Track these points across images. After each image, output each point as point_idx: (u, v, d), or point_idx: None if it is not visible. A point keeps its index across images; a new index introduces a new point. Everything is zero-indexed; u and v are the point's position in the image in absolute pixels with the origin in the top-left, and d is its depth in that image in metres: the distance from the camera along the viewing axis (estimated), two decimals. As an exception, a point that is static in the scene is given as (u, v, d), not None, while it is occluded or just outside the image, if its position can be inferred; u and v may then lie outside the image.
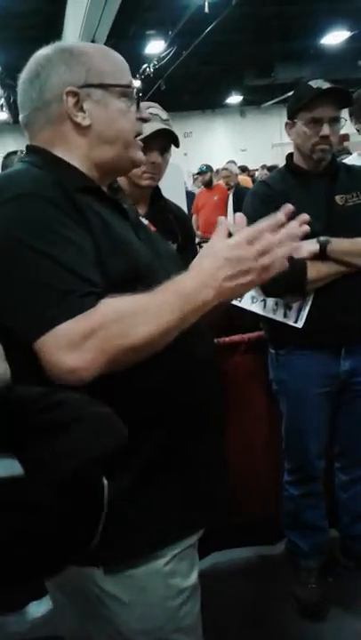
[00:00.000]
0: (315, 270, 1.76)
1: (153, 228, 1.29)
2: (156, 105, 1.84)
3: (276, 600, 2.11)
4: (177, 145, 1.85)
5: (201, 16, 8.86)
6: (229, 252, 0.92)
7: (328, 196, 1.83)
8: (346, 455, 2.08)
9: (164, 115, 1.81)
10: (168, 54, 11.21)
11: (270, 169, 7.99)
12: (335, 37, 11.47)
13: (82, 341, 0.86)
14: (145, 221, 1.27)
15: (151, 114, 1.75)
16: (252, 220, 1.83)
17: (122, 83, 1.08)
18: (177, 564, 1.04)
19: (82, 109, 1.05)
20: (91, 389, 0.88)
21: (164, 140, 1.79)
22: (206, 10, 8.66)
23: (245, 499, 2.22)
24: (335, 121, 1.82)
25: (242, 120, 16.10)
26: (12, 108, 12.65)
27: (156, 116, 1.76)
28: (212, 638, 1.24)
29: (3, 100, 11.93)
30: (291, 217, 1.76)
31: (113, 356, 0.87)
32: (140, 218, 1.24)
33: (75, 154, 1.06)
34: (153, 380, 0.98)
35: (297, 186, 1.87)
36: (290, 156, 1.96)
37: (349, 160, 2.40)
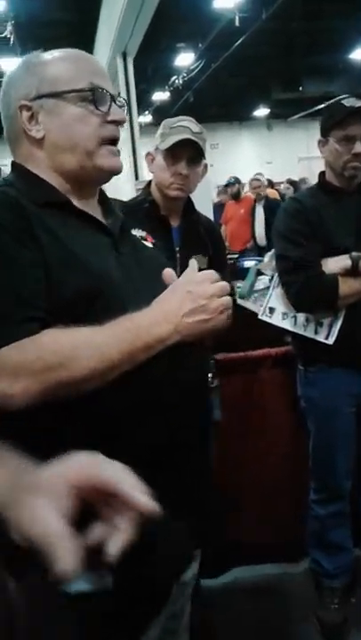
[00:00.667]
0: (347, 286, 1.75)
1: (150, 241, 1.24)
2: (189, 118, 1.84)
3: (296, 619, 2.08)
4: (203, 156, 1.85)
5: (231, 29, 8.93)
6: (193, 286, 0.90)
7: (359, 213, 1.82)
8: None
9: (195, 128, 1.82)
10: (197, 67, 11.31)
11: (293, 183, 7.95)
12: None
13: (15, 369, 0.84)
14: (139, 234, 1.24)
15: (181, 126, 1.76)
16: (283, 236, 1.85)
17: (78, 87, 1.01)
18: None
19: (37, 122, 1.02)
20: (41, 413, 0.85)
21: (191, 151, 1.79)
22: (237, 23, 8.74)
23: (268, 515, 2.21)
24: None
25: (268, 133, 16.14)
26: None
27: (185, 129, 1.77)
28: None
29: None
30: (322, 234, 1.78)
31: (49, 388, 0.84)
32: (135, 231, 1.20)
33: (41, 167, 1.04)
34: (108, 407, 0.91)
35: (329, 203, 1.86)
36: (322, 174, 1.96)
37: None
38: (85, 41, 8.87)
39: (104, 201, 1.13)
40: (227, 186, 7.55)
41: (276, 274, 1.92)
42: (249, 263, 4.04)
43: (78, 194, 1.06)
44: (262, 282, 3.35)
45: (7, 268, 0.89)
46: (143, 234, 1.16)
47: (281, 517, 2.10)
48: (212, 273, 0.93)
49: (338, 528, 2.03)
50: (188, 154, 1.79)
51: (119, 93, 1.08)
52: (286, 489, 2.16)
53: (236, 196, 7.26)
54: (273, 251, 4.14)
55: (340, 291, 1.75)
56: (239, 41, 9.57)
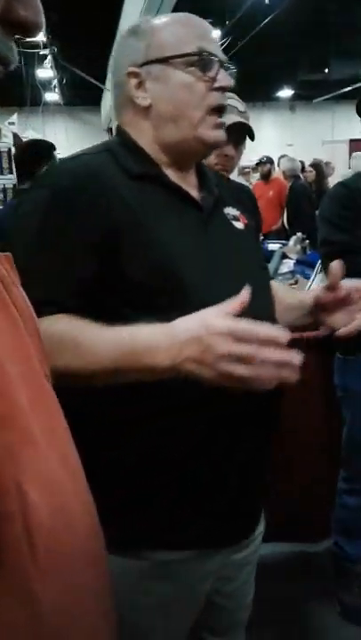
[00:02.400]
0: None
1: (244, 222, 1.13)
2: (235, 96, 1.80)
3: (316, 600, 2.12)
4: (252, 138, 1.83)
5: (260, 6, 8.76)
6: (209, 334, 0.75)
7: None
8: None
9: (241, 107, 1.79)
10: (223, 44, 11.12)
11: (316, 166, 7.70)
12: None
13: None
14: (233, 213, 1.11)
15: (229, 105, 1.74)
16: (328, 221, 1.83)
17: (185, 51, 0.97)
18: (160, 568, 0.97)
19: (145, 89, 0.99)
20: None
21: (239, 133, 1.77)
22: (266, 0, 8.57)
23: (292, 496, 2.23)
24: None
25: (291, 115, 15.90)
26: (64, 90, 12.73)
27: (233, 108, 1.74)
28: (250, 634, 1.25)
29: (55, 81, 12.00)
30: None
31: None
32: (230, 209, 1.11)
33: (143, 137, 1.01)
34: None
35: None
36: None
37: None
38: (112, 11, 8.74)
39: (202, 173, 1.09)
40: (258, 164, 7.28)
41: (320, 260, 1.91)
42: (273, 246, 3.99)
43: (176, 166, 1.03)
44: (287, 265, 3.34)
45: (50, 248, 0.89)
46: (237, 213, 1.09)
47: (304, 498, 2.12)
48: (240, 330, 0.74)
49: (364, 516, 2.05)
50: (235, 135, 1.77)
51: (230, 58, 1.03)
52: (311, 471, 2.17)
53: (267, 177, 7.02)
54: (298, 235, 4.12)
55: None
56: (267, 19, 9.39)
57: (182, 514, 0.96)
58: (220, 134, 1.02)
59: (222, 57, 1.00)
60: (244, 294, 0.77)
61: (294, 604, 2.10)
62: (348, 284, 1.11)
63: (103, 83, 12.53)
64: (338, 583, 2.11)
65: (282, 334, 0.75)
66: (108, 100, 13.38)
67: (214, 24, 11.20)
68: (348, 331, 1.06)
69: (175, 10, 7.29)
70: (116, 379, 0.82)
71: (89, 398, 0.88)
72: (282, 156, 7.74)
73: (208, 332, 0.74)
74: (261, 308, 0.97)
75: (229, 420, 0.94)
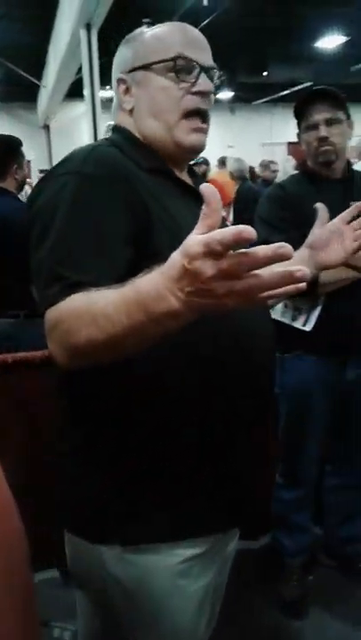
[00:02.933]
0: (327, 274, 1.77)
1: (228, 222, 1.24)
2: None
3: (256, 595, 2.14)
4: None
5: (199, 8, 8.82)
6: (189, 263, 0.68)
7: (343, 202, 1.83)
8: (338, 461, 2.12)
9: None
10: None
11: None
12: (330, 41, 11.53)
13: (49, 332, 0.86)
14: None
15: None
16: (267, 223, 1.86)
17: (164, 57, 1.02)
18: (191, 564, 1.02)
19: (130, 95, 1.07)
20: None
21: None
22: (205, 2, 8.64)
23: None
24: (334, 122, 1.82)
25: (231, 116, 16.07)
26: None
27: None
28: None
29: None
30: (306, 219, 1.80)
31: (70, 352, 0.83)
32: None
33: (139, 136, 1.08)
34: (193, 373, 0.96)
35: (312, 191, 1.88)
36: (305, 162, 1.97)
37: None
38: (46, 14, 8.60)
39: (193, 173, 1.18)
40: (194, 165, 7.39)
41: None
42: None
43: (171, 164, 1.08)
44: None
45: (86, 231, 0.89)
46: (224, 214, 1.14)
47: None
48: (215, 241, 0.65)
49: (301, 511, 2.10)
50: None
51: (216, 66, 1.07)
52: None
53: (203, 178, 7.13)
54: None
55: (320, 279, 1.77)
56: (207, 20, 9.46)
57: (202, 500, 1.02)
58: (197, 138, 1.06)
59: (205, 63, 1.04)
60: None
61: (234, 601, 2.12)
62: (334, 220, 1.30)
63: (39, 79, 12.28)
64: (276, 577, 2.15)
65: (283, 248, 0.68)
66: (44, 97, 13.13)
67: (153, 24, 11.27)
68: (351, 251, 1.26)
69: (112, 8, 7.23)
70: (143, 339, 0.77)
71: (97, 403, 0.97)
72: (222, 158, 7.82)
73: (189, 260, 0.68)
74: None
75: (229, 414, 1.00)
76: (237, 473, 1.06)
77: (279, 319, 1.87)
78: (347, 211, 1.31)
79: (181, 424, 0.97)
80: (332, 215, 1.83)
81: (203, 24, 9.64)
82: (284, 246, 0.66)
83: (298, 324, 1.83)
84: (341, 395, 1.94)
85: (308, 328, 1.81)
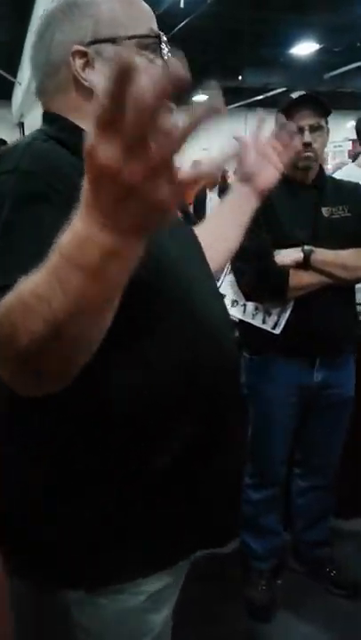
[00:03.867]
0: (297, 279, 1.79)
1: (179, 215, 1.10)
2: None
3: (225, 599, 2.13)
4: None
5: (176, 11, 8.83)
6: (90, 165, 0.52)
7: (315, 207, 1.86)
8: (306, 463, 2.13)
9: None
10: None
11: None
12: (305, 48, 11.68)
13: None
14: None
15: None
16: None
17: (139, 33, 0.89)
18: (156, 599, 0.94)
19: (93, 70, 0.88)
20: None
21: None
22: (182, 5, 8.65)
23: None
24: (317, 129, 1.83)
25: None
26: None
27: None
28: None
29: None
30: (276, 225, 1.81)
31: (17, 366, 0.64)
32: None
33: (89, 123, 0.93)
34: (165, 391, 0.85)
35: (285, 195, 1.88)
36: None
37: (343, 171, 2.49)
38: (22, 10, 8.50)
39: None
40: None
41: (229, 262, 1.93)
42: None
43: None
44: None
45: (22, 234, 0.73)
46: None
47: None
48: (97, 114, 0.50)
49: (270, 513, 2.10)
50: None
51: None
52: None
53: None
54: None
55: (291, 282, 1.78)
56: (183, 23, 9.48)
57: (174, 530, 0.92)
58: (174, 122, 0.96)
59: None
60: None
61: (203, 605, 2.11)
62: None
63: (14, 76, 12.14)
64: (245, 581, 2.14)
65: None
66: (19, 94, 12.99)
67: None
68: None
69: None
70: (93, 311, 0.60)
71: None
72: (196, 161, 7.80)
73: (89, 161, 0.52)
74: (215, 292, 1.00)
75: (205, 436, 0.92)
76: (212, 494, 0.97)
77: (249, 321, 1.88)
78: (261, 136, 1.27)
79: (152, 450, 0.87)
80: (302, 220, 1.84)
81: (179, 26, 9.69)
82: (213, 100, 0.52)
83: (267, 327, 1.84)
84: (309, 397, 1.95)
85: (277, 331, 1.82)
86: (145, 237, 0.57)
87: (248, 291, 1.85)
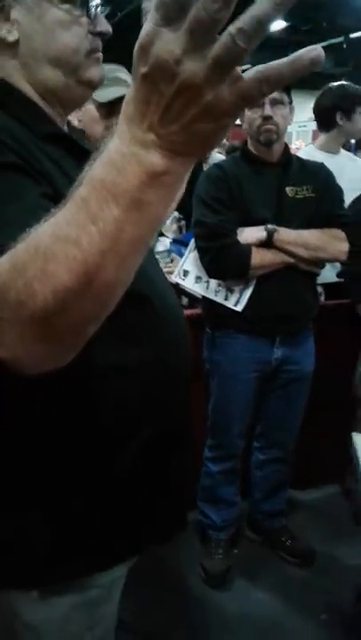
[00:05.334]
0: (259, 257, 1.82)
1: None
2: (123, 69, 1.77)
3: (182, 568, 2.19)
4: None
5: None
6: (144, 62, 0.45)
7: (279, 186, 1.87)
8: (266, 436, 2.18)
9: (130, 80, 1.78)
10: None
11: None
12: (272, 25, 11.56)
13: None
14: None
15: (119, 78, 1.71)
16: (203, 202, 1.86)
17: None
18: (108, 590, 0.94)
19: (8, 20, 0.80)
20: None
21: None
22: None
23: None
24: (278, 103, 1.83)
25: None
26: None
27: (123, 82, 1.72)
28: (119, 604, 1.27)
29: None
30: (240, 203, 1.82)
31: (35, 327, 0.54)
32: None
33: (18, 82, 0.82)
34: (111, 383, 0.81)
35: (250, 173, 1.90)
36: (245, 143, 1.98)
37: (303, 152, 2.51)
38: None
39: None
40: None
41: (193, 239, 1.94)
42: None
43: (60, 119, 0.88)
44: (163, 244, 3.37)
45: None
46: None
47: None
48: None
49: (228, 484, 2.15)
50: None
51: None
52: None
53: None
54: (176, 214, 4.17)
55: (253, 261, 1.81)
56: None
57: (132, 524, 0.91)
58: (102, 71, 0.88)
59: None
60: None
61: (160, 574, 2.16)
62: None
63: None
64: (202, 550, 2.20)
65: None
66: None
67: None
68: None
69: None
70: (127, 250, 0.51)
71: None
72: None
73: (142, 60, 0.44)
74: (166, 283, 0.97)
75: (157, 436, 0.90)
76: (168, 490, 0.96)
77: (212, 298, 1.90)
78: None
79: (111, 448, 0.85)
80: (266, 198, 1.86)
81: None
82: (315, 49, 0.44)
83: (230, 304, 1.86)
84: (269, 373, 1.99)
85: (239, 308, 1.85)
86: (193, 161, 0.50)
87: (210, 268, 1.87)
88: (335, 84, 2.68)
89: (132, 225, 0.50)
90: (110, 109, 1.71)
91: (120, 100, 1.78)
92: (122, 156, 0.48)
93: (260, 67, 0.44)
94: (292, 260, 1.83)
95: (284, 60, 0.43)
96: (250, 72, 0.44)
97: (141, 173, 0.48)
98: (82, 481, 0.83)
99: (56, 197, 0.65)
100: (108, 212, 0.49)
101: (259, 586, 2.13)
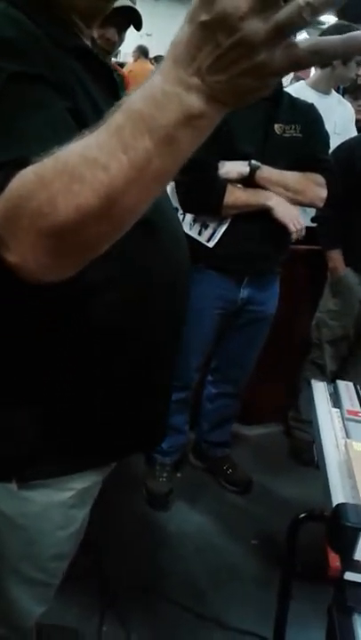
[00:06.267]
0: (233, 197, 1.78)
1: None
2: None
3: (126, 489, 2.28)
4: (138, 27, 1.73)
5: None
6: (206, 10, 0.47)
7: (267, 123, 1.81)
8: (220, 372, 2.24)
9: None
10: None
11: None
12: None
13: (5, 233, 0.58)
14: None
15: None
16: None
17: None
18: (82, 495, 0.97)
19: None
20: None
21: (124, 18, 1.67)
22: None
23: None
24: None
25: (154, 3, 15.04)
26: None
27: None
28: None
29: None
30: (226, 137, 1.77)
31: (52, 239, 0.56)
32: None
33: None
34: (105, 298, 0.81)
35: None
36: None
37: (293, 88, 2.44)
38: None
39: None
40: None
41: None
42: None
43: (84, 32, 0.86)
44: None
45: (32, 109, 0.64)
46: None
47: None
48: None
49: (179, 414, 2.22)
50: (121, 20, 1.68)
51: None
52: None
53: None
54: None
55: (226, 200, 1.78)
56: None
57: (107, 430, 0.92)
58: None
59: None
60: None
61: (104, 494, 2.24)
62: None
63: None
64: (147, 472, 2.29)
65: None
66: None
67: None
68: None
69: None
70: (151, 181, 0.54)
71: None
72: (142, 47, 7.32)
73: (204, 7, 0.46)
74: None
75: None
76: (150, 402, 0.99)
77: (186, 232, 1.87)
78: None
79: (95, 353, 0.86)
80: (252, 134, 1.81)
81: None
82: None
83: (202, 239, 1.85)
84: (232, 311, 2.02)
85: (211, 244, 1.84)
86: (227, 110, 0.52)
87: (183, 202, 1.83)
88: (346, 22, 2.59)
89: (161, 159, 0.52)
90: (105, 20, 1.62)
91: (117, 10, 1.69)
92: (163, 93, 0.50)
93: (316, 39, 0.47)
94: (267, 204, 1.80)
95: (339, 37, 0.47)
96: (306, 42, 0.47)
97: (179, 113, 0.50)
98: (68, 386, 0.86)
99: (77, 112, 0.68)
100: (141, 142, 0.51)
101: (198, 509, 2.25)
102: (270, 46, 0.46)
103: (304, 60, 0.47)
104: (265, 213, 1.82)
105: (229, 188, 1.77)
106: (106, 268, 0.68)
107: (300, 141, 1.84)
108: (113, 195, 0.53)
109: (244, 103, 0.51)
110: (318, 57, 0.47)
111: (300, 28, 0.45)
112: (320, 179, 1.86)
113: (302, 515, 1.24)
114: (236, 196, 1.78)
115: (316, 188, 1.86)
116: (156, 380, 0.97)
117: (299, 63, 0.48)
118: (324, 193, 1.87)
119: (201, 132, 0.52)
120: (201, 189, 1.78)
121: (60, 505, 0.95)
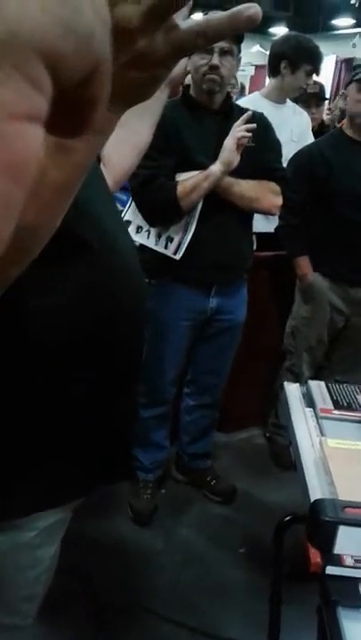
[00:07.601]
0: (182, 187, 1.80)
1: None
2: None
3: (111, 508, 2.26)
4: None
5: None
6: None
7: (219, 134, 1.84)
8: (196, 383, 2.25)
9: None
10: None
11: None
12: None
13: None
14: None
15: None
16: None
17: None
18: (49, 531, 0.94)
19: None
20: None
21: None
22: None
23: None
24: (227, 53, 1.80)
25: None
26: None
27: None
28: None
29: None
30: (182, 147, 1.79)
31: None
32: None
33: None
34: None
35: (190, 119, 1.87)
36: (187, 88, 1.94)
37: (247, 99, 2.48)
38: None
39: None
40: None
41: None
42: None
43: None
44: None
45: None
46: None
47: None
48: None
49: (158, 429, 2.22)
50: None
51: None
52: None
53: None
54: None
55: (178, 193, 1.79)
56: None
57: (73, 465, 0.90)
58: None
59: None
60: None
61: (89, 515, 2.22)
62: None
63: None
64: (130, 490, 2.28)
65: None
66: None
67: None
68: None
69: None
70: (50, 189, 0.47)
71: None
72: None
73: None
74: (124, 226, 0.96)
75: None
76: (115, 431, 0.96)
77: (152, 247, 1.89)
78: None
79: (52, 389, 0.83)
80: (206, 145, 1.85)
81: None
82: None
83: (169, 252, 1.86)
84: (203, 322, 2.03)
85: (177, 257, 1.85)
86: (124, 107, 0.45)
87: (144, 214, 1.85)
88: (294, 33, 2.65)
89: (57, 169, 0.47)
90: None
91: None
92: None
93: (199, 19, 0.41)
94: (212, 171, 1.79)
95: (223, 14, 0.40)
96: (188, 23, 0.41)
97: None
98: (23, 420, 0.82)
99: None
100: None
101: (184, 522, 2.24)
102: (148, 32, 0.40)
103: (188, 44, 0.41)
104: (228, 219, 1.85)
105: (178, 183, 1.80)
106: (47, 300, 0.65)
107: (254, 151, 1.88)
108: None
109: (140, 100, 0.44)
110: (203, 39, 0.41)
111: (176, 8, 0.39)
112: (275, 187, 1.90)
113: (287, 518, 1.25)
114: (184, 185, 1.80)
115: (271, 195, 1.90)
116: (114, 410, 0.93)
117: (183, 47, 0.41)
118: (279, 201, 1.90)
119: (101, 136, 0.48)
120: (155, 196, 1.81)
121: (25, 545, 0.92)
